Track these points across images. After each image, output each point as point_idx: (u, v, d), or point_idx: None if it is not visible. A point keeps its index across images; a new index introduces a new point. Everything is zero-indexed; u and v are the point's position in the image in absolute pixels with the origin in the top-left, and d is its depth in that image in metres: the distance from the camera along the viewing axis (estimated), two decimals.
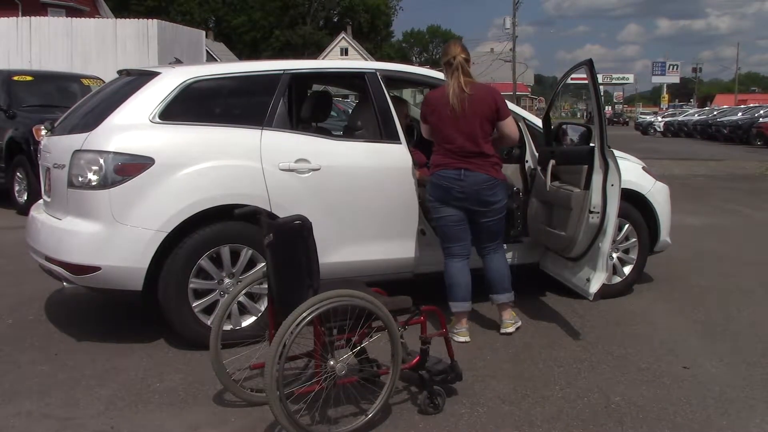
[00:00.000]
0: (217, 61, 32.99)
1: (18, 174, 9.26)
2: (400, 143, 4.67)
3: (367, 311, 3.08)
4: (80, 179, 4.07)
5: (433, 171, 4.37)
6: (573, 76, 5.52)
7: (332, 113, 9.12)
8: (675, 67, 76.03)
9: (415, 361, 3.36)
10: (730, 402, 3.53)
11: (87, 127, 4.21)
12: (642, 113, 59.99)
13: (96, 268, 3.99)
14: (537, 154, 5.05)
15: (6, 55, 16.90)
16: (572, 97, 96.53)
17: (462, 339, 4.31)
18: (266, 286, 3.37)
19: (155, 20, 18.38)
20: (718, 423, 3.32)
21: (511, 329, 4.51)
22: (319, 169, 4.37)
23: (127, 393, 3.56)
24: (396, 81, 5.22)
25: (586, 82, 4.77)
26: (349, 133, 5.13)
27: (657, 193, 5.53)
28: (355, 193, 4.49)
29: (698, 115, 39.01)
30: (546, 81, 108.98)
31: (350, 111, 8.82)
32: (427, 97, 4.52)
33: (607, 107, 62.97)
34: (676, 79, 77.30)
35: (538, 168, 4.95)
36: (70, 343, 4.28)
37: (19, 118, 9.44)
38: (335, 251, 4.33)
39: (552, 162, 4.78)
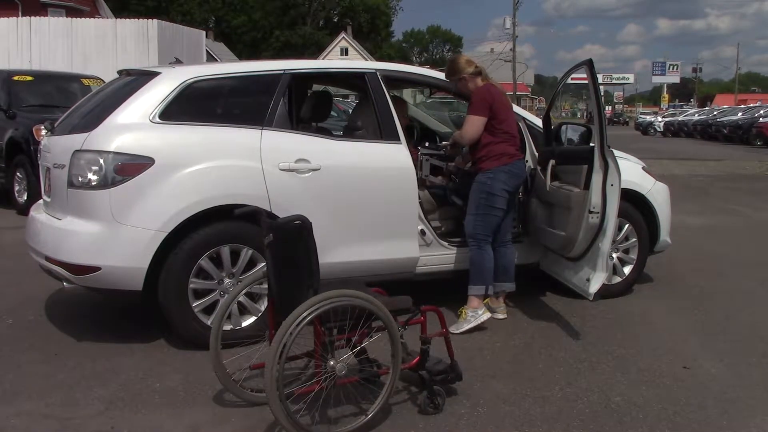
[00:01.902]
0: (217, 61, 32.99)
1: (18, 174, 9.25)
2: (400, 143, 4.67)
3: (367, 311, 3.08)
4: (80, 179, 4.07)
5: (507, 162, 4.55)
6: (573, 76, 5.52)
7: (332, 113, 9.12)
8: (675, 67, 76.01)
9: (415, 361, 3.35)
10: (730, 402, 3.53)
11: (87, 127, 4.21)
12: (642, 113, 59.91)
13: (96, 268, 3.99)
14: (537, 154, 5.05)
15: (6, 55, 16.89)
16: (572, 97, 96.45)
17: (496, 316, 4.72)
18: (266, 286, 3.38)
19: (155, 20, 18.38)
20: (718, 423, 3.32)
21: (505, 315, 4.79)
22: (319, 169, 4.36)
23: (127, 393, 3.56)
24: (396, 81, 5.22)
25: (586, 82, 4.77)
26: (349, 133, 5.12)
27: (657, 193, 5.53)
28: (355, 193, 4.49)
29: (698, 115, 39.00)
30: (546, 81, 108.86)
31: (350, 111, 8.82)
32: (490, 91, 4.57)
33: (607, 107, 62.95)
34: (676, 79, 77.30)
35: (538, 168, 4.95)
36: (70, 343, 4.28)
37: (19, 118, 9.43)
38: (335, 251, 4.33)
39: (552, 162, 4.78)
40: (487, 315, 4.56)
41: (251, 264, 4.24)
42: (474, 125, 4.55)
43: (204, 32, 23.67)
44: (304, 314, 2.91)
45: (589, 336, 4.49)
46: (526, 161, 5.04)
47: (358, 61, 8.64)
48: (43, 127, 6.82)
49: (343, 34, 62.54)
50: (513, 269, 4.77)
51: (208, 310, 4.13)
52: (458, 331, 4.37)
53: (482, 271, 4.55)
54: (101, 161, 4.01)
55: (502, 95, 4.65)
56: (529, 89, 74.88)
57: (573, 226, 4.53)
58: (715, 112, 37.31)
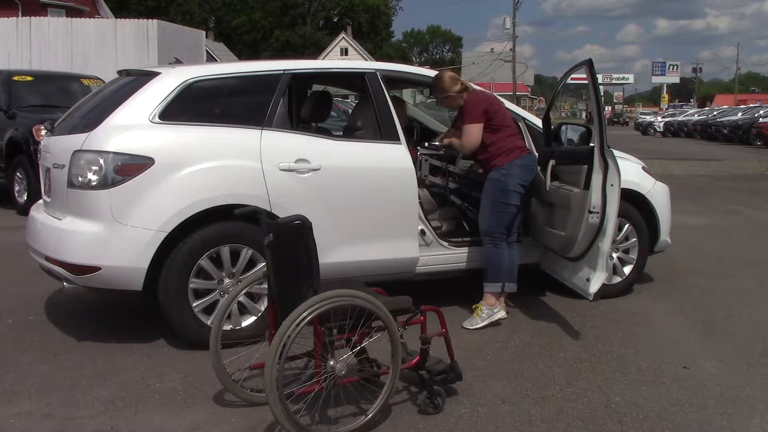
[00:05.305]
0: (217, 61, 32.99)
1: (18, 174, 9.26)
2: (400, 143, 4.67)
3: (367, 311, 3.08)
4: (80, 179, 4.07)
5: (518, 155, 4.63)
6: (573, 76, 5.52)
7: (332, 113, 9.12)
8: (675, 67, 75.98)
9: (415, 361, 3.36)
10: (730, 402, 3.53)
11: (87, 128, 4.21)
12: (642, 113, 59.90)
13: (96, 268, 3.99)
14: (537, 154, 5.04)
15: (6, 55, 16.89)
16: (572, 97, 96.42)
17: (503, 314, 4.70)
18: (266, 286, 3.38)
19: (155, 20, 18.36)
20: (718, 423, 3.32)
21: (505, 315, 4.72)
22: (319, 169, 4.37)
23: (127, 393, 3.56)
24: (396, 81, 5.22)
25: (586, 82, 4.78)
26: (349, 133, 5.13)
27: (657, 193, 5.53)
28: (355, 193, 4.49)
29: (698, 115, 39.01)
30: (546, 81, 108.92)
31: (350, 111, 8.82)
32: (480, 96, 4.71)
33: (607, 107, 62.91)
34: (676, 79, 77.27)
35: (538, 168, 4.95)
36: (70, 343, 4.28)
37: (19, 118, 9.44)
38: (335, 251, 4.33)
39: (552, 162, 4.78)
40: (502, 313, 4.59)
41: (251, 264, 4.25)
42: (473, 133, 4.61)
43: (204, 32, 23.67)
44: (304, 314, 2.92)
45: (589, 336, 4.49)
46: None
47: (358, 61, 8.62)
48: (43, 127, 6.84)
49: (343, 34, 62.57)
50: (517, 270, 4.77)
51: (208, 310, 4.13)
52: (472, 327, 4.43)
53: (499, 268, 4.59)
54: (101, 161, 4.01)
55: (493, 97, 4.76)
56: (529, 89, 74.85)
57: (573, 226, 4.53)
58: (715, 112, 37.31)
